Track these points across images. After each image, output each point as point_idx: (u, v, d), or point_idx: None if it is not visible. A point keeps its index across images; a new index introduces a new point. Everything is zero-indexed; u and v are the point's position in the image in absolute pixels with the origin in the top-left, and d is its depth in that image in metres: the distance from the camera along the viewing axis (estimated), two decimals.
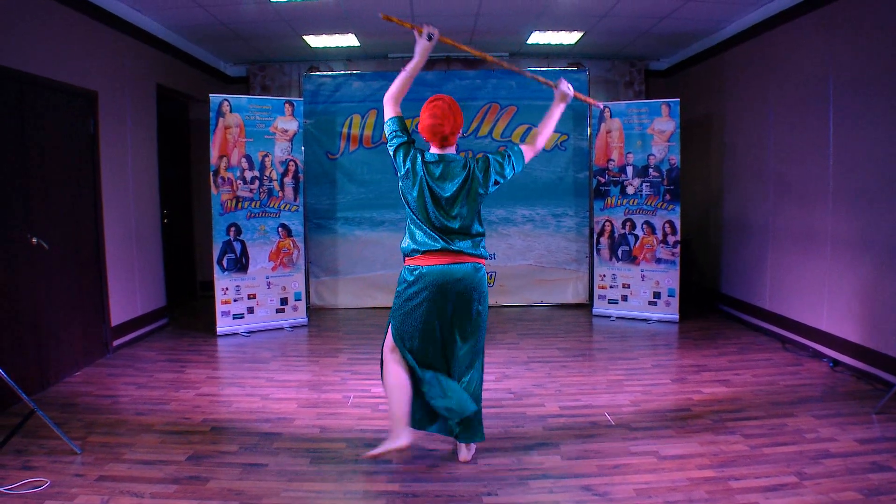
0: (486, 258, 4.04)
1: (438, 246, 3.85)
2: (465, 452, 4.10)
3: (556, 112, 4.07)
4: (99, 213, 6.31)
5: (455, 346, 4.00)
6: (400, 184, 3.94)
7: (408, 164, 3.86)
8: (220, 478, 3.85)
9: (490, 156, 3.98)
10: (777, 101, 6.89)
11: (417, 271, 3.88)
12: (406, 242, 3.97)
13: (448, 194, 3.87)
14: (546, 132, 4.07)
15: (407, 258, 3.98)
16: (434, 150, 3.96)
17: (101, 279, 6.38)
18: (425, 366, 3.99)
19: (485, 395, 5.25)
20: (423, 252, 3.88)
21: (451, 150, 3.99)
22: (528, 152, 4.01)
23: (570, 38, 8.33)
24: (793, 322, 6.62)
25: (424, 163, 3.87)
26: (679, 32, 8.05)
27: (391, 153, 3.92)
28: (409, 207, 3.92)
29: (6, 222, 5.02)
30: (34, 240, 5.18)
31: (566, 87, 4.04)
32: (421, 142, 4.00)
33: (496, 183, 3.96)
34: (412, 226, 3.95)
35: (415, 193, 3.86)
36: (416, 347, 3.96)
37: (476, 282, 3.93)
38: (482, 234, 4.00)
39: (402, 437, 3.93)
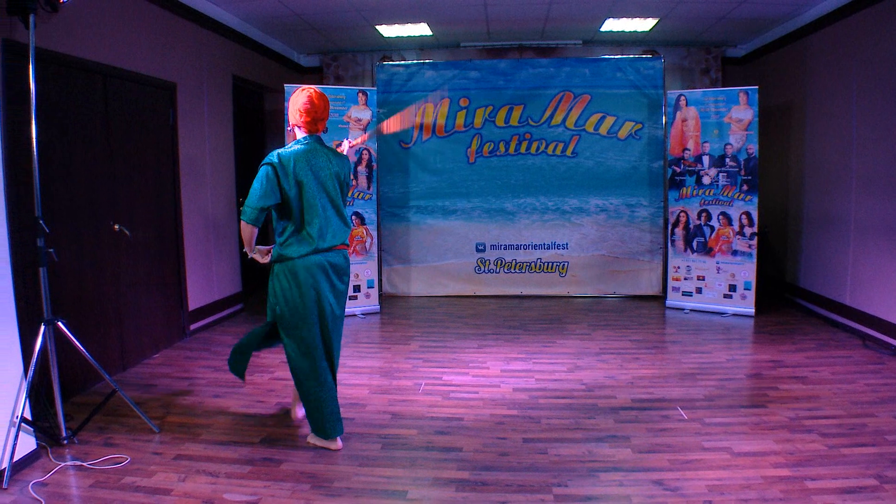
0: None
1: None
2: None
3: None
4: (178, 201, 6.51)
5: None
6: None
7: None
8: (293, 460, 3.95)
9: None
10: (861, 88, 6.64)
11: None
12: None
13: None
14: None
15: None
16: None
17: (180, 265, 6.59)
18: None
19: (556, 385, 5.29)
20: None
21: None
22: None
23: (644, 24, 8.18)
24: (875, 318, 6.39)
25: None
26: (757, 17, 7.82)
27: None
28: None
29: (93, 210, 5.24)
30: (116, 227, 5.38)
31: None
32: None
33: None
34: None
35: None
36: None
37: None
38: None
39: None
